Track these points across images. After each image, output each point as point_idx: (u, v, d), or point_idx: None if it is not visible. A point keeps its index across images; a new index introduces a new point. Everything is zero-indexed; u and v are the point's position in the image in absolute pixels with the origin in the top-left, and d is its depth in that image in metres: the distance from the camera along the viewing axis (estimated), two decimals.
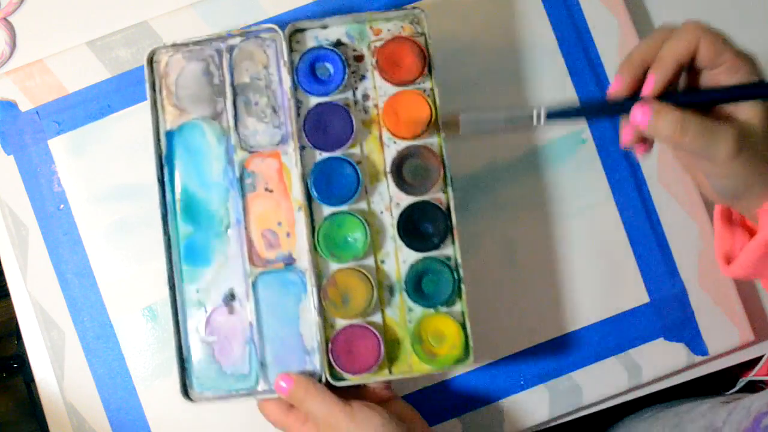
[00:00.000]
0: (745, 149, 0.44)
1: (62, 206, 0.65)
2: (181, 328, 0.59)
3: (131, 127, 0.65)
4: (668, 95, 0.47)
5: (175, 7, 0.66)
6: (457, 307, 0.58)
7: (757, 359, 0.67)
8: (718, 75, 0.46)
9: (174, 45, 0.60)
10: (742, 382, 0.66)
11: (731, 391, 0.67)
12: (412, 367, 0.59)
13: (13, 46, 0.67)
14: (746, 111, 0.45)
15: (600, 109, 0.49)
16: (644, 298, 0.65)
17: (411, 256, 0.59)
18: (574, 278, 0.65)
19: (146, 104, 0.63)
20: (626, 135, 0.49)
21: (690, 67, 0.47)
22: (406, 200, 0.59)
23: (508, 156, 0.66)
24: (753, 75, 0.46)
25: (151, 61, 0.60)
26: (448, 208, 0.58)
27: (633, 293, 0.65)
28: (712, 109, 0.47)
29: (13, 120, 0.65)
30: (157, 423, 0.64)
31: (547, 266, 0.65)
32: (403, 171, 0.59)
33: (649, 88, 0.46)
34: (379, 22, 0.60)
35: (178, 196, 0.60)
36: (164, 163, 0.60)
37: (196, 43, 0.60)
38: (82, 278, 0.64)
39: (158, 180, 0.60)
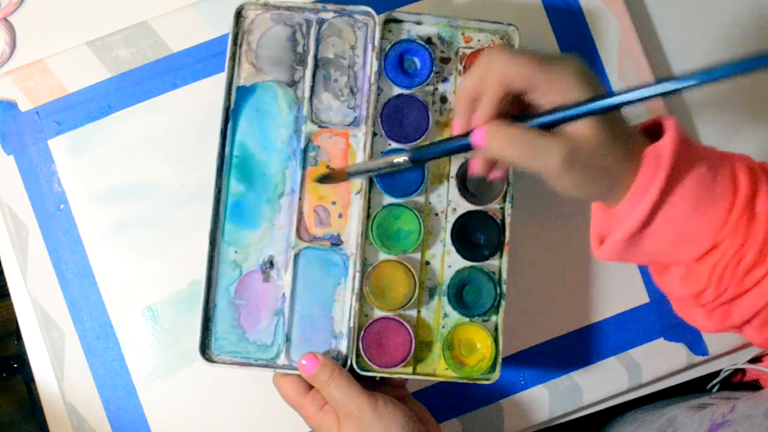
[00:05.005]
0: (576, 163, 0.45)
1: (62, 206, 0.64)
2: (212, 285, 0.57)
3: (131, 127, 0.64)
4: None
5: (175, 7, 0.65)
6: (493, 320, 0.59)
7: (757, 359, 0.67)
8: (546, 97, 0.46)
9: (265, 4, 0.60)
10: (726, 372, 0.67)
11: (714, 382, 0.68)
12: (436, 371, 0.58)
13: (13, 46, 0.66)
14: (578, 125, 0.45)
15: (453, 146, 0.50)
16: (644, 298, 0.65)
17: (458, 263, 0.59)
18: (573, 278, 0.65)
19: (146, 104, 0.64)
20: (473, 164, 0.50)
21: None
22: (464, 207, 0.59)
23: None
24: (583, 92, 0.45)
25: (238, 14, 0.59)
26: (503, 222, 0.59)
27: (633, 293, 0.65)
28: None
29: (13, 120, 0.64)
30: (157, 423, 0.63)
31: (547, 267, 0.65)
32: (467, 178, 0.59)
33: (474, 124, 0.48)
34: (472, 31, 0.61)
35: (236, 152, 0.59)
36: (229, 117, 0.59)
37: (288, 8, 0.60)
38: (82, 278, 0.63)
39: (221, 132, 0.58)
